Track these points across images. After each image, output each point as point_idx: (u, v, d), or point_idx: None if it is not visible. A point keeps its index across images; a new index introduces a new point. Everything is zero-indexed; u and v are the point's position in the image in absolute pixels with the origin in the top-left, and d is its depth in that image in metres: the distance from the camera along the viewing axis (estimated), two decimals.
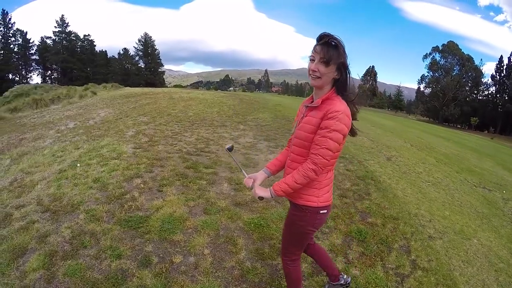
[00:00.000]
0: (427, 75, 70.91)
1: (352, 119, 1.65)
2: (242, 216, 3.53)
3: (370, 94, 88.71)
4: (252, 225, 3.35)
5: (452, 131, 33.16)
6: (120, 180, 4.56)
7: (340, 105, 1.56)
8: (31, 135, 8.95)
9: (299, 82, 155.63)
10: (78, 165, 5.20)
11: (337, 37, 1.53)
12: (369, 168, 5.62)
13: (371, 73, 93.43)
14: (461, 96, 65.61)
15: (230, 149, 2.22)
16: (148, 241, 3.14)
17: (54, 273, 2.70)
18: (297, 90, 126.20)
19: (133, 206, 3.81)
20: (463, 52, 67.24)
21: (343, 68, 1.57)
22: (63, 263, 2.81)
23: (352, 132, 1.75)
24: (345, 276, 2.36)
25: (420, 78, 72.54)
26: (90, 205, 3.84)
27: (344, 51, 1.55)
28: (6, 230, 3.46)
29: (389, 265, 2.96)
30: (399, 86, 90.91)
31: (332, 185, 1.86)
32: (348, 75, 1.58)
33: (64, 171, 5.02)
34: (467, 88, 67.76)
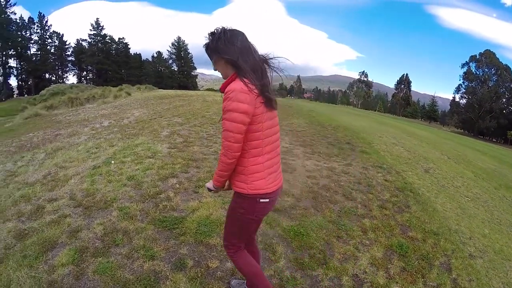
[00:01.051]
0: (463, 85, 70.48)
1: (264, 97, 1.73)
2: (281, 223, 3.58)
3: (404, 103, 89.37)
4: (292, 233, 3.39)
5: (488, 144, 31.83)
6: (155, 179, 4.68)
7: (232, 85, 1.68)
8: (66, 132, 9.58)
9: (331, 89, 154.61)
10: (113, 162, 5.42)
11: (207, 39, 1.79)
12: (407, 180, 5.68)
13: (405, 81, 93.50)
14: (497, 108, 64.26)
15: None
16: (183, 244, 3.15)
17: (83, 270, 2.76)
18: (329, 97, 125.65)
19: (168, 206, 3.86)
20: (500, 61, 65.77)
21: (223, 55, 1.73)
22: (94, 260, 2.88)
23: (268, 104, 1.78)
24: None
25: (456, 88, 72.41)
26: (124, 203, 3.95)
27: (215, 44, 1.74)
28: (37, 223, 3.64)
29: (431, 283, 2.95)
30: (433, 96, 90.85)
31: (274, 173, 1.91)
32: (237, 59, 1.70)
33: (98, 167, 5.27)
34: (504, 100, 66.22)
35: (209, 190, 1.99)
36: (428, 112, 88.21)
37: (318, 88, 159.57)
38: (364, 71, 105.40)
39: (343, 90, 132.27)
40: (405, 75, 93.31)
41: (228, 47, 1.72)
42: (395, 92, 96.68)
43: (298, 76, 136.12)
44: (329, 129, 9.96)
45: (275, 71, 1.87)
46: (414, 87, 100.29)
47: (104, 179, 4.74)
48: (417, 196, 4.91)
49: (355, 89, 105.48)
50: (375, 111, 74.25)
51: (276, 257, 2.99)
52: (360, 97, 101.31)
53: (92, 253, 2.97)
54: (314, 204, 4.14)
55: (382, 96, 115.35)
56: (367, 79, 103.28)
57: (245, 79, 1.69)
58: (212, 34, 1.77)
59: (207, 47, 1.80)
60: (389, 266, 3.08)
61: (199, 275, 2.72)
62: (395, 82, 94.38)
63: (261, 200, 1.84)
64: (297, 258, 3.01)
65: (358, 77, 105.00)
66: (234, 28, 1.80)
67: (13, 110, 27.01)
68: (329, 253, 3.15)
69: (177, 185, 4.50)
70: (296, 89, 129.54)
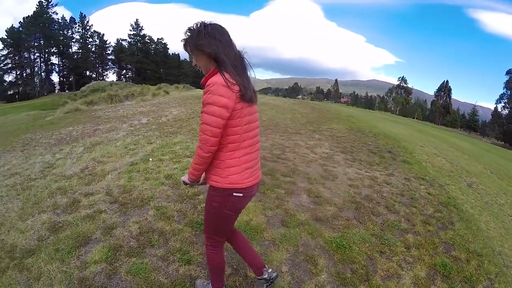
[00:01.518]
0: (506, 94, 67.00)
1: (244, 92, 1.75)
2: (323, 233, 3.50)
3: (443, 111, 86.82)
4: (334, 244, 3.31)
5: None
6: None
7: (213, 78, 1.72)
8: (105, 127, 9.95)
9: (369, 94, 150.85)
10: (150, 159, 5.45)
11: (185, 34, 1.84)
12: (451, 194, 5.56)
13: (445, 89, 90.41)
14: None
15: None
16: None
17: (116, 269, 2.72)
18: (367, 103, 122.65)
19: None
20: None
21: (204, 48, 1.76)
22: (127, 260, 2.83)
23: (247, 99, 1.80)
24: (269, 270, 2.37)
25: (498, 97, 69.22)
26: (161, 202, 3.92)
27: (196, 39, 1.78)
28: (72, 216, 3.69)
29: None
30: (474, 105, 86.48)
31: (251, 169, 1.94)
32: (217, 50, 1.74)
33: (136, 164, 5.34)
34: None
35: (185, 183, 2.03)
36: (468, 122, 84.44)
37: (356, 93, 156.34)
38: (403, 76, 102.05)
39: (381, 95, 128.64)
40: (445, 82, 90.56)
41: (209, 41, 1.75)
42: (434, 100, 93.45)
43: (336, 80, 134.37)
44: (369, 136, 9.74)
45: (249, 67, 1.89)
46: (454, 95, 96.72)
47: (141, 176, 4.78)
48: (461, 213, 4.79)
49: (393, 95, 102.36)
50: (414, 118, 71.36)
51: (318, 270, 2.90)
52: (398, 103, 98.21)
53: (126, 252, 2.93)
54: (357, 215, 4.02)
55: (421, 103, 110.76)
56: (407, 85, 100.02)
57: (225, 74, 1.72)
58: (190, 29, 1.81)
59: (186, 42, 1.84)
60: None
61: (237, 284, 2.64)
62: (434, 89, 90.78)
63: (235, 194, 1.88)
64: (339, 273, 2.92)
65: (398, 82, 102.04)
66: (214, 22, 1.82)
67: (55, 104, 28.79)
68: (371, 269, 3.03)
69: None
70: (333, 93, 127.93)
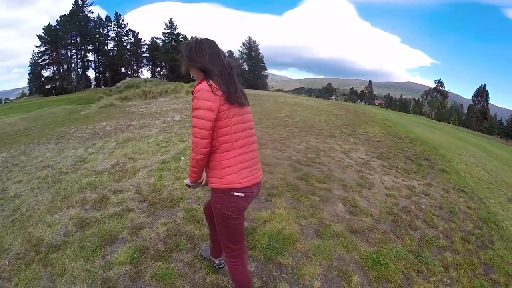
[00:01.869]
0: None
1: (231, 100, 1.91)
2: (358, 247, 3.34)
3: (480, 117, 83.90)
4: (370, 260, 3.15)
5: None
6: None
7: (199, 86, 1.90)
8: (138, 123, 10.16)
9: (404, 97, 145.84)
10: (182, 158, 5.43)
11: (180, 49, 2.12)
12: (490, 209, 5.32)
13: (482, 93, 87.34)
14: None
15: None
16: (251, 259, 2.91)
17: (141, 272, 2.66)
18: (401, 105, 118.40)
19: None
20: None
21: (193, 63, 1.97)
22: (153, 264, 2.76)
23: (233, 101, 1.93)
24: (222, 260, 2.62)
25: None
26: (191, 204, 3.85)
27: (187, 52, 1.99)
28: (100, 213, 3.69)
29: None
30: None
31: (248, 168, 2.01)
32: (205, 65, 1.92)
33: (167, 162, 5.33)
34: None
35: (188, 186, 2.18)
36: (506, 129, 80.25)
37: (390, 95, 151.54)
38: (440, 79, 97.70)
39: (416, 98, 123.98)
40: (482, 86, 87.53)
41: (198, 55, 1.95)
42: (471, 104, 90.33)
43: (370, 81, 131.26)
44: (406, 141, 9.39)
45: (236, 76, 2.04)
46: (491, 100, 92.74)
47: (172, 175, 4.75)
48: (501, 230, 4.55)
49: (429, 98, 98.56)
50: (449, 123, 68.19)
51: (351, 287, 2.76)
52: (434, 107, 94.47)
53: (152, 255, 2.86)
54: (394, 229, 3.84)
55: (457, 107, 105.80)
56: (443, 88, 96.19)
57: (211, 81, 1.89)
58: (186, 44, 2.05)
59: (181, 56, 2.05)
60: None
61: None
62: (471, 93, 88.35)
63: (235, 194, 1.97)
64: None
65: (434, 85, 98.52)
66: (206, 38, 2.04)
67: (90, 99, 30.04)
68: None
69: None
70: (367, 95, 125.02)
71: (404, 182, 5.58)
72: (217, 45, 2.04)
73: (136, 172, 4.99)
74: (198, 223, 3.38)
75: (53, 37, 63.40)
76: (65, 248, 3.04)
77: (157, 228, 3.29)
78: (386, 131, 10.64)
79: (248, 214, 3.65)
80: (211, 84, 1.88)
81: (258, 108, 12.74)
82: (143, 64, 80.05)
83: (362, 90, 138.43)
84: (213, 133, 1.91)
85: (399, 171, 6.21)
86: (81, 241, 3.11)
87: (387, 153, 7.53)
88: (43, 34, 63.42)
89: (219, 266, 2.71)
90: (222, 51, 2.04)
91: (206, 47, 1.98)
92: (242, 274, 2.19)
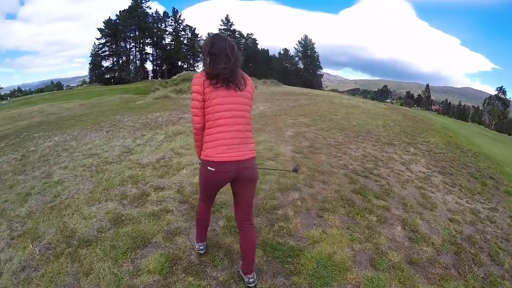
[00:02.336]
0: None
1: (214, 84, 2.22)
2: (416, 284, 2.90)
3: None
4: None
5: None
6: (273, 189, 4.24)
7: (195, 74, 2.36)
8: (190, 116, 10.20)
9: (462, 103, 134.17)
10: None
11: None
12: None
13: None
14: None
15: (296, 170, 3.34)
16: (294, 286, 2.59)
17: (169, 286, 2.46)
18: (459, 113, 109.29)
19: (284, 229, 3.31)
20: None
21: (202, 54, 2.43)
22: (184, 278, 2.54)
23: (211, 83, 2.23)
24: (252, 278, 2.47)
25: None
26: None
27: (203, 49, 2.33)
28: (137, 211, 3.58)
29: None
30: None
31: (226, 146, 2.23)
32: (206, 56, 2.28)
33: None
34: None
35: (199, 163, 2.49)
36: None
37: (448, 101, 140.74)
38: (502, 86, 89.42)
39: (475, 105, 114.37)
40: None
41: (204, 48, 2.29)
42: None
43: (427, 85, 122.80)
44: (469, 155, 8.55)
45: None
46: None
47: None
48: None
49: (489, 106, 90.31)
50: (510, 135, 61.56)
51: None
52: (494, 116, 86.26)
53: (184, 268, 2.64)
54: (456, 263, 3.34)
55: None
56: (505, 97, 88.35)
57: (203, 69, 2.27)
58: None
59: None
60: None
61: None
62: None
63: (208, 168, 2.26)
64: None
65: (495, 93, 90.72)
66: (215, 33, 2.55)
67: (146, 90, 31.36)
68: None
69: (299, 202, 3.94)
70: (424, 99, 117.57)
71: (468, 205, 4.98)
72: (220, 39, 2.30)
73: (181, 169, 4.88)
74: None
75: (113, 30, 67.98)
76: (95, 245, 2.96)
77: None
78: (447, 142, 9.90)
79: (296, 230, 3.33)
80: (202, 72, 2.28)
81: (313, 108, 12.37)
82: (199, 58, 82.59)
83: (419, 94, 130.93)
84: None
85: (463, 190, 5.58)
86: (113, 240, 3.01)
87: (449, 167, 6.87)
88: (103, 27, 68.19)
89: (249, 285, 2.51)
90: (227, 45, 2.24)
91: (209, 41, 2.31)
92: (200, 213, 2.67)
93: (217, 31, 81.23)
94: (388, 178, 5.41)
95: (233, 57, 2.22)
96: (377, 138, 8.32)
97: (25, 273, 2.73)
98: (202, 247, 2.80)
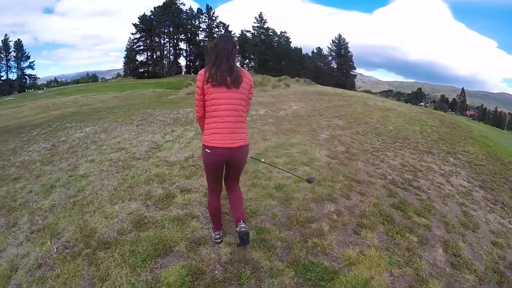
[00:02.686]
0: None
1: (211, 82, 2.58)
2: None
3: None
4: None
5: None
6: (308, 198, 3.94)
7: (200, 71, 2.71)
8: None
9: (498, 110, 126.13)
10: (262, 160, 4.97)
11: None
12: None
13: None
14: None
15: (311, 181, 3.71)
16: None
17: None
18: (495, 119, 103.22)
19: (318, 246, 2.99)
20: None
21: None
22: None
23: (209, 82, 2.59)
24: (241, 225, 2.72)
25: None
26: (265, 222, 3.33)
27: (208, 49, 2.75)
28: (160, 214, 3.39)
29: None
30: None
31: (218, 134, 2.60)
32: (208, 57, 2.70)
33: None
34: None
35: None
36: None
37: (484, 106, 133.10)
38: None
39: None
40: None
41: (208, 48, 2.72)
42: None
43: (463, 89, 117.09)
44: (510, 168, 7.95)
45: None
46: None
47: (248, 180, 4.32)
48: None
49: None
50: None
51: None
52: None
53: (208, 284, 2.41)
54: None
55: None
56: None
57: (206, 68, 2.63)
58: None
59: None
60: None
61: None
62: None
63: (206, 150, 2.66)
64: None
65: None
66: (222, 34, 3.19)
67: (179, 85, 31.67)
68: None
69: (335, 216, 3.61)
70: (459, 104, 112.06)
71: (511, 226, 4.55)
72: (225, 40, 2.68)
73: None
74: (269, 251, 2.81)
75: (147, 26, 69.30)
76: (115, 248, 2.80)
77: (219, 248, 2.83)
78: (487, 152, 9.28)
79: (331, 248, 3.02)
80: (205, 70, 2.62)
81: (348, 109, 11.93)
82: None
83: (454, 98, 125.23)
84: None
85: (505, 208, 5.12)
86: (133, 244, 2.83)
87: (490, 182, 6.37)
88: (138, 23, 69.65)
89: (241, 229, 2.70)
90: (228, 46, 2.60)
91: (215, 41, 2.67)
92: (209, 202, 2.92)
93: (251, 29, 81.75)
94: (429, 192, 4.99)
95: (231, 59, 2.59)
96: (415, 145, 7.85)
97: (40, 271, 2.65)
98: (218, 236, 2.96)
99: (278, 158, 5.27)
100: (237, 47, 2.73)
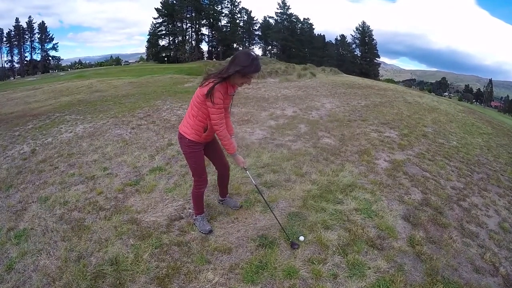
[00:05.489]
0: None
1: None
2: None
3: None
4: None
5: None
6: None
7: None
8: (240, 111, 8.06)
9: None
10: (302, 238, 2.72)
11: None
12: None
13: None
14: None
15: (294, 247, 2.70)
16: None
17: None
18: None
19: None
20: None
21: None
22: None
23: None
24: (229, 200, 3.36)
25: None
26: None
27: None
28: None
29: None
30: None
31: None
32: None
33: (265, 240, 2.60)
34: None
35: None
36: None
37: (510, 97, 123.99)
38: None
39: None
40: None
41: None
42: None
43: (490, 80, 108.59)
44: None
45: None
46: None
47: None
48: None
49: None
50: None
51: None
52: None
53: None
54: None
55: None
56: None
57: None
58: None
59: None
60: None
61: None
62: None
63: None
64: None
65: None
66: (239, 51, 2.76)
67: (199, 71, 29.37)
68: None
69: None
70: (486, 95, 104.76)
71: None
72: (238, 56, 2.54)
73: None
74: None
75: (169, 10, 66.65)
76: None
77: None
78: None
79: None
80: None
81: (391, 110, 9.34)
82: (254, 41, 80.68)
83: (478, 88, 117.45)
84: None
85: None
86: None
87: None
88: (160, 8, 67.03)
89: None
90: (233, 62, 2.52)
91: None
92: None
93: (274, 15, 78.63)
94: None
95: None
96: (496, 177, 5.19)
97: None
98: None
99: (329, 229, 2.94)
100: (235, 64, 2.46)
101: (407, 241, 2.87)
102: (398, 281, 2.31)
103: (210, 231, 2.88)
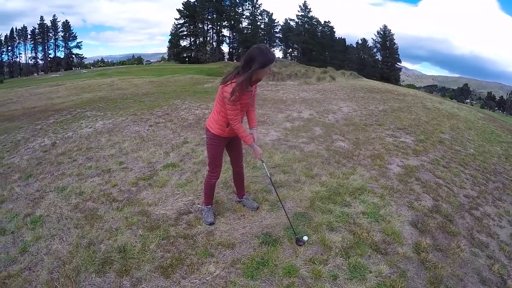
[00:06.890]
0: None
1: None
2: None
3: None
4: None
5: None
6: None
7: None
8: (257, 112, 7.91)
9: None
10: (305, 238, 2.75)
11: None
12: None
13: None
14: None
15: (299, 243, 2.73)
16: None
17: None
18: None
19: None
20: None
21: None
22: None
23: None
24: (246, 201, 3.41)
25: None
26: None
27: None
28: None
29: None
30: None
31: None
32: None
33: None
34: None
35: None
36: None
37: None
38: None
39: None
40: None
41: None
42: None
43: None
44: None
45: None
46: None
47: None
48: None
49: None
50: None
51: None
52: None
53: None
54: None
55: None
56: None
57: None
58: None
59: None
60: None
61: None
62: None
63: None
64: None
65: None
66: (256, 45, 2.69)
67: (220, 72, 29.57)
68: None
69: None
70: (509, 103, 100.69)
71: None
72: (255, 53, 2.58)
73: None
74: None
75: (191, 11, 67.58)
76: None
77: None
78: None
79: None
80: None
81: (409, 116, 9.21)
82: (275, 44, 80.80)
83: (501, 96, 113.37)
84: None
85: None
86: None
87: None
88: (182, 9, 67.99)
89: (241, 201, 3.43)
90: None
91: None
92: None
93: (295, 17, 78.56)
94: None
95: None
96: None
97: None
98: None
99: (334, 231, 2.95)
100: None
101: (413, 247, 2.84)
102: (399, 287, 2.30)
103: (212, 224, 2.98)
